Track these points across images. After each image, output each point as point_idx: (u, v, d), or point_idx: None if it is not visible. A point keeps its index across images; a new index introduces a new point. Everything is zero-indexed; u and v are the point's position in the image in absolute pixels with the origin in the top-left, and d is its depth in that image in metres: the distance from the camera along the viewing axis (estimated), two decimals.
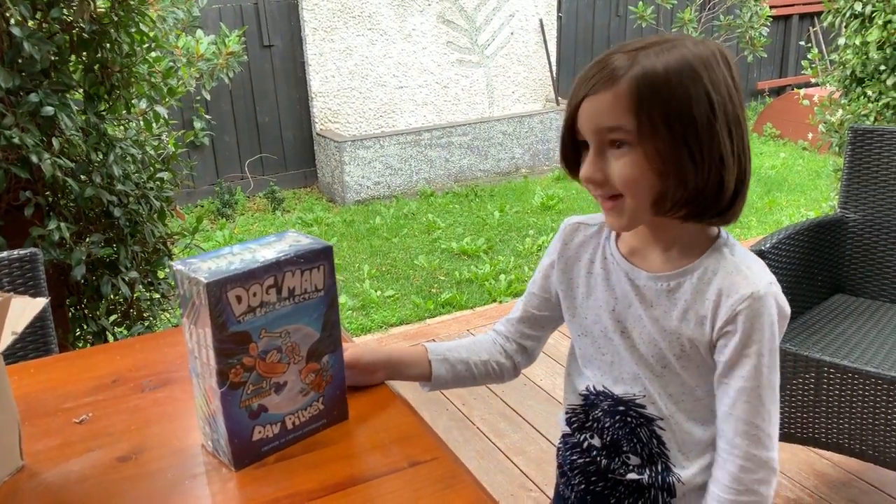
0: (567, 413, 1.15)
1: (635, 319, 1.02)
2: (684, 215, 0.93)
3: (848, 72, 3.35)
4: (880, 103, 3.21)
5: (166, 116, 2.48)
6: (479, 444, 2.42)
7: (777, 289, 0.95)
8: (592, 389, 1.09)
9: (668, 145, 0.88)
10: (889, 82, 3.15)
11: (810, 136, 4.15)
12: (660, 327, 0.99)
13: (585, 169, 0.93)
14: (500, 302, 3.62)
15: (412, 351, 1.15)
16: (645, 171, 0.89)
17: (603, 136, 0.91)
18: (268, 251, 0.92)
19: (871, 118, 3.23)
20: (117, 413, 1.09)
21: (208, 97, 3.78)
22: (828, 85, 3.60)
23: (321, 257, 0.95)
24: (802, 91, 4.17)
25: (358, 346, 1.13)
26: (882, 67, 3.20)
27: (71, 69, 2.17)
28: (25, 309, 0.95)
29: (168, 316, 2.57)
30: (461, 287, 3.85)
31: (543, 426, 2.49)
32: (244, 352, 0.90)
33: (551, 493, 2.16)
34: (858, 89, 3.33)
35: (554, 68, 6.15)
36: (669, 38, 0.92)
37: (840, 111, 3.45)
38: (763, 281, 0.94)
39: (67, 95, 2.12)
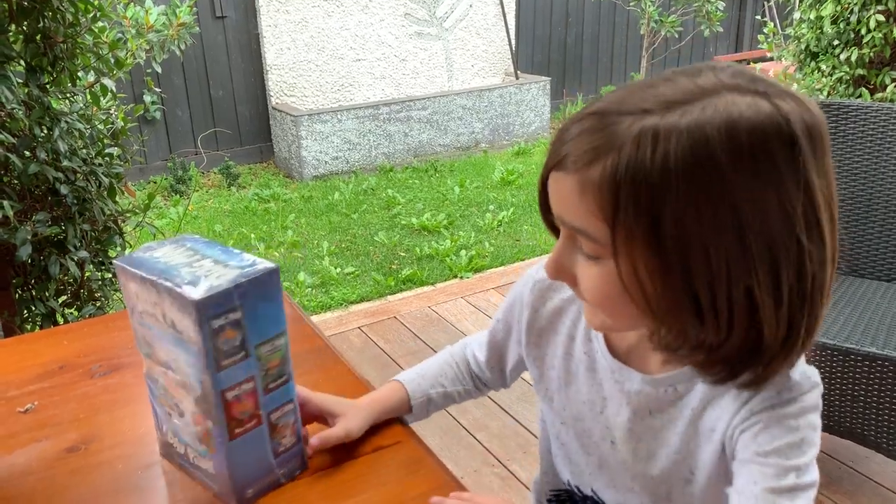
0: (551, 495, 0.99)
1: (627, 431, 0.80)
2: (694, 364, 0.68)
3: (802, 46, 3.39)
4: (833, 77, 3.25)
5: (114, 90, 2.38)
6: (442, 421, 2.42)
7: (820, 388, 0.72)
8: (577, 491, 0.91)
9: (657, 282, 0.61)
10: (842, 57, 3.19)
11: None
12: (662, 443, 0.78)
13: (547, 261, 0.69)
14: (462, 277, 3.61)
15: (395, 404, 0.98)
16: (622, 295, 0.64)
17: (569, 230, 0.67)
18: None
19: (825, 92, 3.27)
20: (65, 401, 1.04)
21: (159, 70, 3.65)
22: (783, 59, 3.64)
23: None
24: (759, 66, 4.20)
25: (348, 419, 0.92)
26: (836, 42, 3.23)
27: (11, 39, 2.06)
28: None
29: (120, 296, 2.49)
30: (422, 263, 3.82)
31: (506, 402, 2.49)
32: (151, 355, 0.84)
33: (514, 468, 2.17)
34: (813, 64, 3.37)
35: (513, 41, 6.11)
36: (709, 85, 0.61)
37: (795, 85, 3.48)
38: (808, 381, 0.71)
39: (7, 67, 2.02)
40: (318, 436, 0.88)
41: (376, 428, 0.95)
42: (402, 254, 3.98)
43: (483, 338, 1.02)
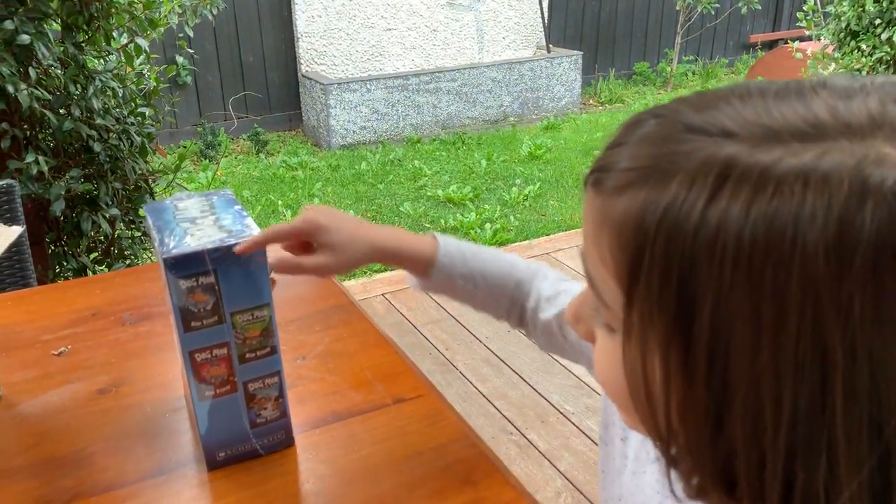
0: None
1: None
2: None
3: (843, 24, 3.32)
4: (874, 58, 3.19)
5: (147, 50, 2.40)
6: (461, 388, 2.44)
7: None
8: None
9: (673, 405, 0.40)
10: (884, 36, 3.12)
11: None
12: None
13: (569, 304, 0.51)
14: None
15: (415, 251, 0.86)
16: (624, 385, 0.43)
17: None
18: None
19: (864, 72, 3.20)
20: (97, 346, 1.07)
21: (191, 34, 3.66)
22: (822, 38, 3.56)
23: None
24: (796, 44, 4.12)
25: (334, 249, 0.80)
26: (878, 21, 3.16)
27: None
28: (1, 237, 0.92)
29: (149, 255, 2.53)
30: (446, 235, 3.82)
31: (526, 372, 2.51)
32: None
33: (531, 437, 2.19)
34: (852, 43, 3.30)
35: (545, 14, 6.04)
36: (860, 118, 0.35)
37: (833, 65, 3.42)
38: None
39: (44, 24, 2.04)
40: (288, 259, 0.80)
41: (398, 380, 0.97)
42: (427, 225, 3.99)
43: (554, 294, 0.87)
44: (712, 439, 0.38)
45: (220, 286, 0.76)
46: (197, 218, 0.81)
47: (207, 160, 5.03)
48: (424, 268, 0.85)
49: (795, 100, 0.38)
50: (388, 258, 0.85)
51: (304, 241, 0.82)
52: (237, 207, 0.84)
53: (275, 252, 0.80)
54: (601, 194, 0.41)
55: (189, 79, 5.23)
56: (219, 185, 4.58)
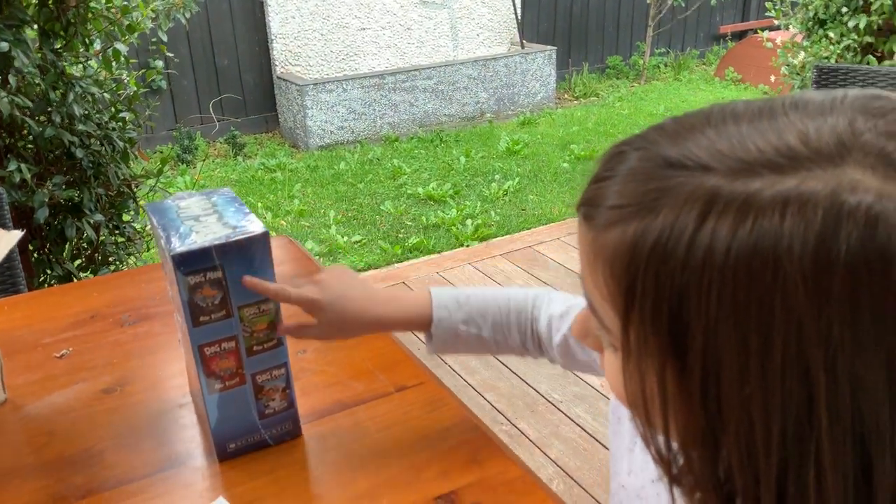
0: None
1: None
2: None
3: (811, 13, 3.38)
4: (841, 45, 3.26)
5: (126, 55, 2.40)
6: (450, 381, 2.47)
7: None
8: None
9: (672, 422, 0.42)
10: (850, 24, 3.19)
11: (773, 78, 4.20)
12: None
13: (575, 319, 0.55)
14: (468, 246, 3.64)
15: (413, 314, 0.87)
16: (626, 396, 0.46)
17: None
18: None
19: (833, 60, 3.27)
20: (98, 348, 1.08)
21: (165, 39, 3.66)
22: (790, 27, 3.64)
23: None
24: (766, 34, 4.19)
25: (332, 325, 0.84)
26: (844, 9, 3.23)
27: (24, 4, 2.08)
28: (1, 241, 0.93)
29: (134, 260, 2.53)
30: (428, 232, 3.85)
31: (513, 363, 2.54)
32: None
33: (522, 426, 2.22)
34: (820, 31, 3.37)
35: (518, 10, 6.08)
36: (830, 142, 0.37)
37: (802, 53, 3.49)
38: None
39: (22, 31, 2.03)
40: (291, 326, 0.84)
41: (398, 368, 0.99)
42: (409, 223, 4.01)
43: (566, 309, 0.87)
44: (711, 457, 0.41)
45: (227, 281, 0.78)
46: (200, 216, 0.83)
47: (185, 165, 5.00)
48: (426, 326, 0.86)
49: (768, 125, 0.39)
50: (387, 329, 0.88)
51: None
52: (238, 204, 0.86)
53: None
54: (593, 229, 0.43)
55: (164, 83, 5.20)
56: (198, 189, 4.57)
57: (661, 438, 0.43)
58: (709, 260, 0.36)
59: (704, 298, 0.37)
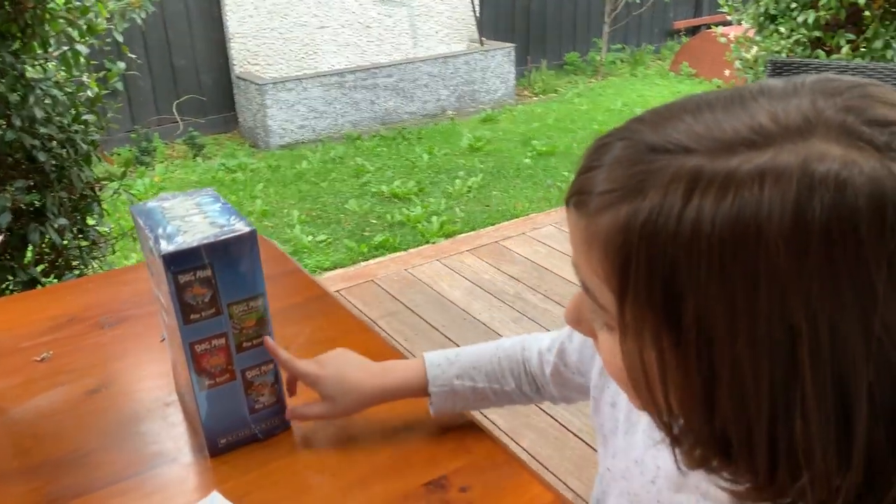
0: None
1: None
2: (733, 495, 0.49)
3: (762, 9, 3.48)
4: (791, 40, 3.36)
5: (85, 56, 2.37)
6: None
7: None
8: None
9: (671, 388, 0.45)
10: (800, 19, 3.29)
11: (727, 72, 4.30)
12: None
13: (567, 308, 0.56)
14: (434, 243, 3.66)
15: (406, 384, 0.89)
16: (626, 375, 0.49)
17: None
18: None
19: (784, 54, 3.38)
20: (78, 350, 1.08)
21: (121, 39, 3.61)
22: (742, 22, 3.73)
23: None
24: (719, 29, 4.30)
25: (335, 400, 0.87)
26: (794, 5, 3.33)
27: None
28: None
29: (98, 264, 2.50)
30: (394, 229, 3.86)
31: None
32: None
33: (493, 417, 2.25)
34: (771, 26, 3.47)
35: (477, 8, 6.12)
36: (797, 120, 0.41)
37: (755, 48, 3.59)
38: None
39: None
40: (296, 409, 0.89)
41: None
42: (374, 221, 4.02)
43: (551, 342, 0.90)
44: (708, 416, 0.44)
45: (216, 279, 0.79)
46: (185, 216, 0.84)
47: (144, 167, 4.93)
48: (424, 388, 0.88)
49: (740, 110, 0.43)
50: (386, 398, 0.89)
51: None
52: (223, 204, 0.87)
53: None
54: (585, 216, 0.46)
55: (120, 85, 5.12)
56: (158, 191, 4.51)
57: (661, 402, 0.46)
58: (697, 232, 0.40)
59: (695, 268, 0.40)
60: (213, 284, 0.79)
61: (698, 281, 0.41)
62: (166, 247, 0.77)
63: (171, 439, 0.90)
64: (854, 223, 0.38)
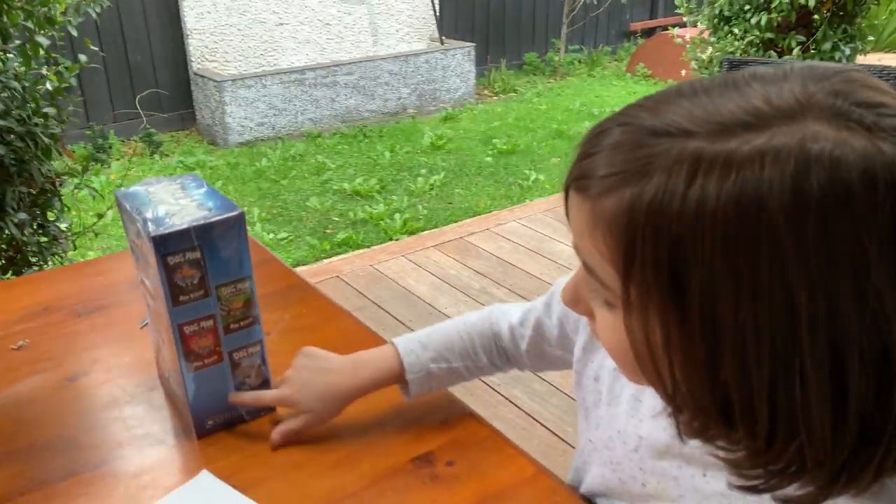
0: None
1: (668, 481, 0.68)
2: (730, 464, 0.51)
3: (716, 11, 3.58)
4: (745, 41, 3.46)
5: (45, 48, 2.33)
6: None
7: None
8: None
9: (676, 360, 0.48)
10: (753, 21, 3.39)
11: (683, 73, 4.40)
12: None
13: (564, 287, 0.57)
14: (397, 240, 3.68)
15: (382, 373, 0.89)
16: (630, 353, 0.51)
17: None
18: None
19: (738, 55, 3.48)
20: (55, 338, 1.07)
21: (75, 33, 3.54)
22: (698, 24, 3.83)
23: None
24: (676, 30, 4.40)
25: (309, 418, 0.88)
26: (747, 7, 3.43)
27: None
28: None
29: (59, 260, 2.46)
30: (356, 227, 3.87)
31: None
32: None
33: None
34: (726, 28, 3.57)
35: (437, 6, 6.15)
36: (789, 102, 0.44)
37: (710, 49, 3.68)
38: None
39: None
40: (278, 431, 0.87)
41: (366, 347, 1.03)
42: (336, 218, 4.02)
43: (523, 316, 0.92)
44: (710, 385, 0.47)
45: (205, 261, 0.80)
46: (172, 199, 0.84)
47: (100, 164, 4.84)
48: (400, 377, 0.88)
49: (735, 94, 0.46)
50: (364, 393, 0.89)
51: None
52: (207, 187, 0.88)
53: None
54: (588, 199, 0.48)
55: (74, 80, 5.01)
56: (115, 188, 4.43)
57: (665, 374, 0.49)
58: (701, 211, 0.43)
59: (699, 244, 0.43)
60: (202, 266, 0.80)
61: (703, 257, 0.43)
62: (156, 229, 0.78)
63: (156, 422, 0.90)
64: (848, 198, 0.41)
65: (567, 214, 0.52)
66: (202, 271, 0.81)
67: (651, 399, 0.70)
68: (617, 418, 0.75)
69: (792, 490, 0.48)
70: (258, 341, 0.88)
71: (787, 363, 0.43)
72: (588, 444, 0.80)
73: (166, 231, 0.78)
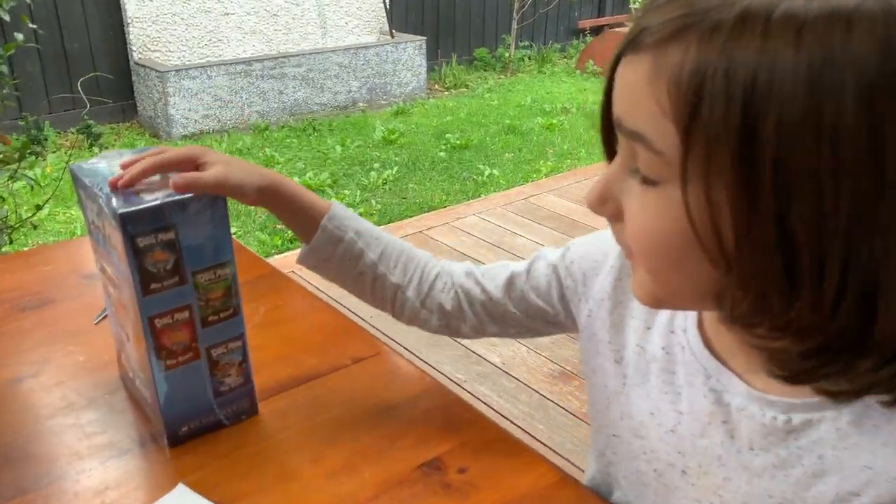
0: None
1: (713, 460, 0.59)
2: (772, 354, 0.49)
3: None
4: None
5: None
6: None
7: None
8: None
9: (740, 222, 0.43)
10: None
11: None
12: (761, 492, 0.56)
13: (591, 187, 0.52)
14: None
15: (310, 202, 0.79)
16: (681, 238, 0.46)
17: (628, 140, 0.48)
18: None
19: None
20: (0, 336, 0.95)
21: (7, 18, 3.32)
22: None
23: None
24: (622, 29, 4.40)
25: (230, 164, 0.74)
26: None
27: None
28: None
29: None
30: None
31: (415, 347, 2.51)
32: None
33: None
34: None
35: (386, 0, 6.04)
36: None
37: None
38: None
39: None
40: (183, 175, 0.70)
41: (351, 341, 0.94)
42: None
43: (487, 268, 0.82)
44: (776, 247, 0.42)
45: (180, 244, 0.70)
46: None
47: (34, 157, 4.59)
48: (316, 221, 0.77)
49: None
50: (282, 199, 0.77)
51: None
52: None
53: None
54: (647, 51, 0.45)
55: (5, 68, 4.74)
56: (51, 181, 4.20)
57: (717, 249, 0.45)
58: (779, 54, 0.40)
59: (777, 84, 0.40)
60: (176, 249, 0.70)
61: (781, 98, 0.40)
62: (123, 205, 0.67)
63: (120, 429, 0.80)
64: None
65: (608, 111, 0.50)
66: (177, 255, 0.70)
67: (692, 360, 0.61)
68: (649, 398, 0.65)
69: (833, 384, 0.46)
70: (240, 335, 0.78)
71: (870, 217, 0.40)
72: (612, 442, 0.70)
73: (135, 208, 0.67)
